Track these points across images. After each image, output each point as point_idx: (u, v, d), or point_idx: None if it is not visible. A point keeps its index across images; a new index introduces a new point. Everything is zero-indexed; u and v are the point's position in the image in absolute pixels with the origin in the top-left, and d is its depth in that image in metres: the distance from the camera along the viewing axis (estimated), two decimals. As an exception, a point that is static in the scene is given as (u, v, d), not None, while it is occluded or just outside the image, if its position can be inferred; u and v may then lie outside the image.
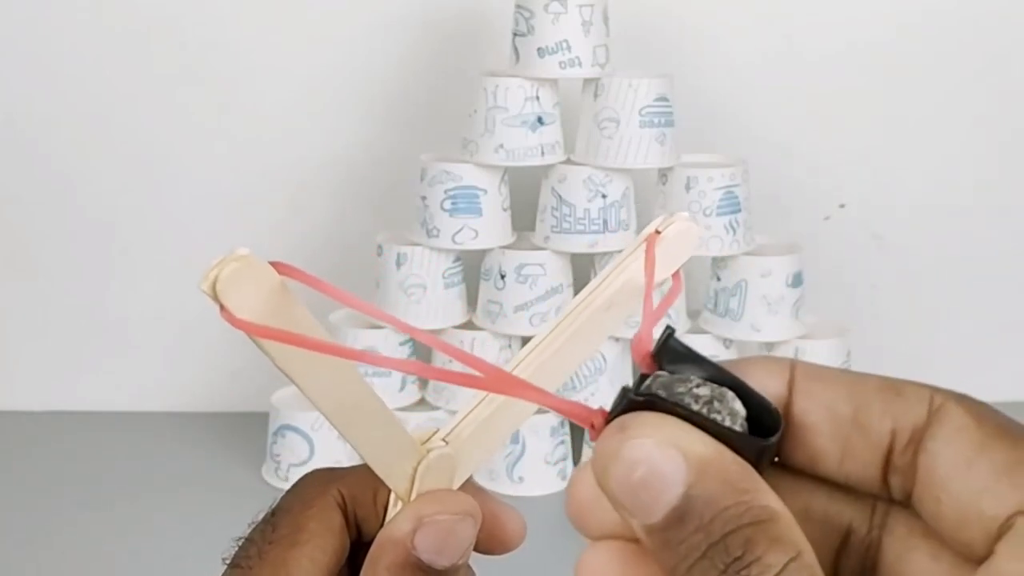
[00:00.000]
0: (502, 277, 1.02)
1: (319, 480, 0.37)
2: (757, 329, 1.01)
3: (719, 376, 0.28)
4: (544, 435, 1.03)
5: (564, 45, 0.97)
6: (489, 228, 1.02)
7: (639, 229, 1.04)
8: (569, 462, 1.06)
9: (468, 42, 1.13)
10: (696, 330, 1.04)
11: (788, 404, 0.28)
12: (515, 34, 1.00)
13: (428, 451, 0.33)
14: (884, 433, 0.27)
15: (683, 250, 0.35)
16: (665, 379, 0.27)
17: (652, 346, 0.28)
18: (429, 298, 1.02)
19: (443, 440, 0.34)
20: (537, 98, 0.99)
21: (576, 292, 1.05)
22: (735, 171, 1.00)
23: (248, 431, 1.12)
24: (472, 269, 1.06)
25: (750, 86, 1.15)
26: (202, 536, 0.94)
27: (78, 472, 1.06)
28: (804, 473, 0.29)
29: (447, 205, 1.00)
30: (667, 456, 0.25)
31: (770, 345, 1.03)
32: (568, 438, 1.06)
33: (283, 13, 1.12)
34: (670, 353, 0.28)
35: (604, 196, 1.00)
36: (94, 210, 1.16)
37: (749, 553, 0.24)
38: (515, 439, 1.03)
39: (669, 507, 0.25)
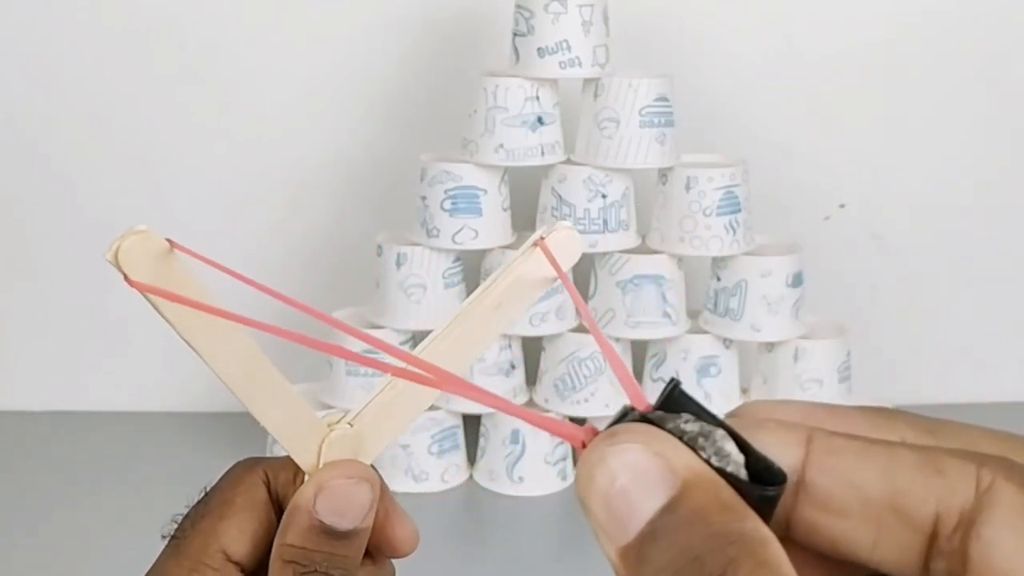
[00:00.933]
0: (502, 277, 1.02)
1: (247, 463, 0.41)
2: (757, 329, 1.01)
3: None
4: (544, 435, 1.03)
5: (564, 45, 0.97)
6: (489, 228, 1.02)
7: (639, 229, 1.04)
8: (569, 462, 1.06)
9: (468, 42, 1.13)
10: (696, 330, 1.04)
11: (801, 479, 0.25)
12: (515, 34, 1.00)
13: (331, 429, 0.37)
14: (926, 518, 0.24)
15: (568, 256, 0.38)
16: (656, 414, 0.26)
17: (653, 401, 0.27)
18: (429, 298, 1.02)
19: (348, 423, 0.37)
20: (537, 98, 0.99)
21: (577, 291, 1.05)
22: (735, 171, 1.00)
23: (248, 431, 1.12)
24: (472, 269, 1.06)
25: (750, 86, 1.15)
26: (202, 536, 0.95)
27: (78, 472, 1.06)
28: (822, 555, 0.26)
29: (447, 205, 1.00)
30: (654, 463, 0.24)
31: (770, 345, 1.03)
32: (568, 438, 1.06)
33: (283, 13, 1.12)
34: (673, 405, 0.26)
35: (604, 196, 1.00)
36: (94, 210, 1.16)
37: (730, 574, 0.22)
38: (515, 439, 1.03)
39: (646, 520, 0.23)
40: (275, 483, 0.39)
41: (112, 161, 1.15)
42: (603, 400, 1.03)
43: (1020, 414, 1.22)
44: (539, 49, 0.98)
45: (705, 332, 1.04)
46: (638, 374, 1.07)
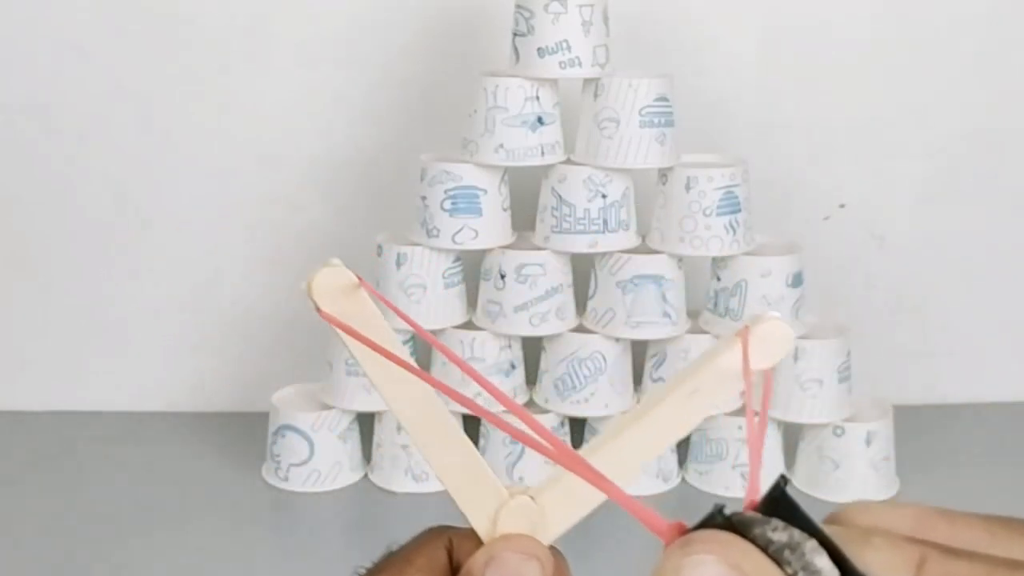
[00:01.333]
0: (502, 277, 1.02)
1: (436, 529, 0.41)
2: (757, 329, 1.01)
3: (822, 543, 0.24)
4: (544, 435, 1.03)
5: (564, 45, 0.97)
6: (489, 228, 1.02)
7: (639, 229, 1.04)
8: (569, 462, 1.06)
9: (468, 42, 1.13)
10: (696, 330, 1.04)
11: None
12: (515, 34, 1.00)
13: (512, 497, 0.36)
14: None
15: (774, 350, 0.35)
16: (746, 516, 0.25)
17: (760, 496, 0.26)
18: (429, 298, 1.02)
19: (530, 496, 0.36)
20: (537, 98, 0.99)
21: (576, 292, 1.05)
22: (735, 171, 1.00)
23: (248, 431, 1.12)
24: (472, 269, 1.05)
25: (750, 86, 1.15)
26: (202, 535, 0.95)
27: (78, 472, 1.06)
28: None
29: (447, 205, 1.00)
30: None
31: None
32: (568, 438, 1.06)
33: (283, 13, 1.12)
34: (774, 505, 0.25)
35: (604, 196, 1.00)
36: (94, 210, 1.16)
37: None
38: (515, 439, 1.03)
39: None
40: (458, 552, 0.39)
41: (112, 161, 1.15)
42: (603, 400, 1.03)
43: (1020, 414, 1.22)
44: (539, 49, 0.98)
45: (705, 332, 1.04)
46: (638, 374, 1.07)
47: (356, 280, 0.37)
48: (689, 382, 0.35)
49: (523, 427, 0.34)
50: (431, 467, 0.36)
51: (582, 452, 0.34)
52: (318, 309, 0.36)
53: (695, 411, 0.36)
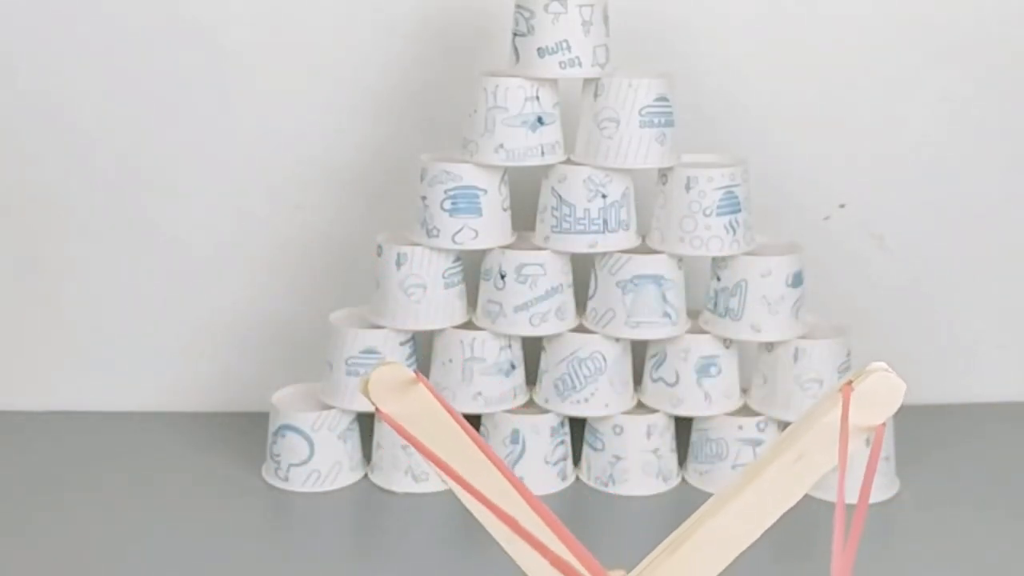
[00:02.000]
0: (502, 277, 1.02)
1: None
2: (757, 329, 1.01)
3: None
4: (544, 435, 1.03)
5: (564, 45, 0.97)
6: (489, 228, 1.02)
7: (639, 229, 1.04)
8: (569, 462, 1.06)
9: (468, 42, 1.13)
10: (696, 330, 1.04)
11: None
12: (515, 34, 1.00)
13: None
14: None
15: (884, 403, 0.33)
16: None
17: None
18: (429, 298, 1.02)
19: None
20: (537, 98, 0.99)
21: (576, 292, 1.05)
22: (735, 171, 1.00)
23: (248, 431, 1.12)
24: (472, 269, 1.06)
25: (750, 86, 1.15)
26: (202, 535, 0.95)
27: (78, 472, 1.06)
28: None
29: (447, 205, 1.00)
30: None
31: (770, 345, 1.03)
32: (568, 438, 1.06)
33: (283, 13, 1.12)
34: None
35: (604, 196, 1.00)
36: (94, 211, 1.16)
37: None
38: (515, 439, 1.03)
39: None
40: None
41: (113, 162, 1.15)
42: (603, 400, 1.03)
43: (1020, 414, 1.22)
44: (539, 49, 0.98)
45: (705, 332, 1.04)
46: (638, 374, 1.07)
47: (412, 376, 0.37)
48: (794, 446, 0.33)
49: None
50: (516, 561, 0.37)
51: (694, 519, 0.32)
52: (376, 409, 0.36)
53: (802, 477, 0.33)
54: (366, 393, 0.36)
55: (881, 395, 0.32)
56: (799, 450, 0.32)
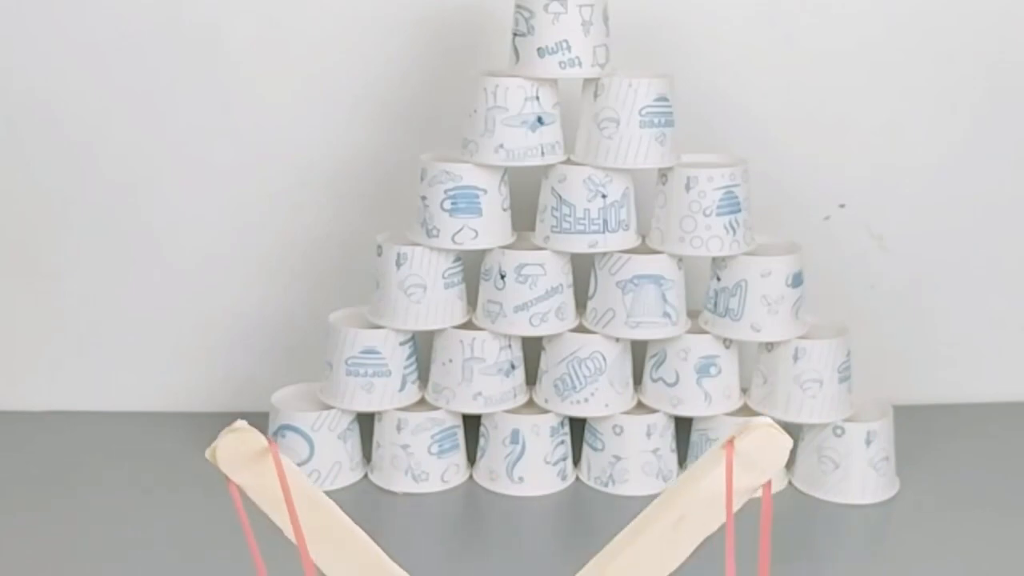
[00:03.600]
0: (502, 277, 1.02)
1: None
2: (757, 329, 1.01)
3: None
4: (544, 435, 1.03)
5: (564, 45, 0.97)
6: (489, 228, 1.02)
7: (639, 229, 1.04)
8: (569, 462, 1.06)
9: (468, 42, 1.13)
10: (696, 330, 1.04)
11: None
12: (515, 34, 1.00)
13: None
14: None
15: (770, 460, 0.31)
16: None
17: None
18: (429, 298, 1.02)
19: None
20: (537, 98, 0.99)
21: (576, 292, 1.05)
22: (735, 171, 1.00)
23: (248, 431, 1.12)
24: (472, 269, 1.05)
25: (750, 86, 1.15)
26: (202, 535, 0.95)
27: (78, 472, 1.06)
28: None
29: (447, 205, 1.00)
30: None
31: (770, 345, 1.03)
32: (568, 438, 1.06)
33: (284, 13, 1.12)
34: None
35: (604, 196, 1.00)
36: (94, 211, 1.16)
37: None
38: (515, 439, 1.03)
39: None
40: None
41: (114, 162, 1.15)
42: (603, 400, 1.03)
43: (1020, 414, 1.22)
44: (539, 49, 0.98)
45: (705, 332, 1.04)
46: (638, 374, 1.07)
47: (264, 443, 0.35)
48: (673, 508, 0.31)
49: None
50: None
51: None
52: (227, 480, 0.34)
53: (682, 541, 0.31)
54: (214, 462, 0.34)
55: (767, 452, 0.30)
56: (679, 512, 0.30)
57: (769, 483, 0.29)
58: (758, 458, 0.30)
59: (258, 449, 0.34)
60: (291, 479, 0.34)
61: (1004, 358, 1.24)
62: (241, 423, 0.34)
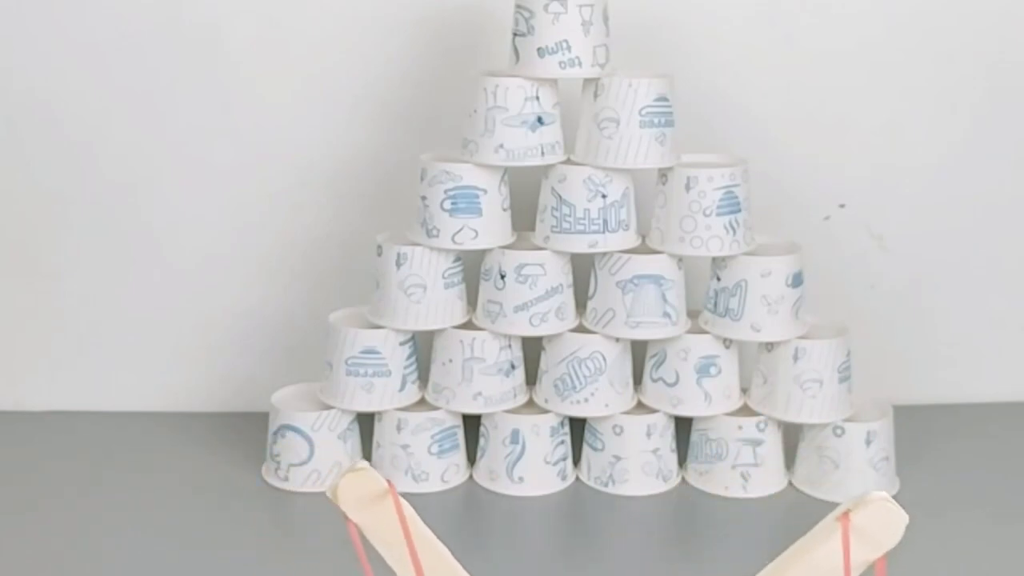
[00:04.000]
0: (502, 277, 1.02)
1: None
2: (757, 329, 1.01)
3: None
4: (544, 435, 1.03)
5: (564, 45, 0.97)
6: (489, 228, 1.02)
7: (639, 229, 1.04)
8: (569, 462, 1.06)
9: (468, 42, 1.13)
10: (696, 330, 1.04)
11: None
12: (515, 34, 1.00)
13: None
14: None
15: (883, 535, 0.30)
16: None
17: None
18: (429, 298, 1.02)
19: None
20: (537, 98, 0.99)
21: (576, 292, 1.05)
22: (735, 171, 1.00)
23: (248, 431, 1.12)
24: (472, 269, 1.05)
25: (750, 86, 1.15)
26: (202, 535, 0.95)
27: (78, 472, 1.06)
28: None
29: (447, 205, 1.00)
30: None
31: (770, 345, 1.03)
32: (568, 438, 1.06)
33: (284, 13, 1.12)
34: None
35: (604, 196, 1.00)
36: (94, 211, 1.16)
37: None
38: (515, 439, 1.03)
39: None
40: None
41: (115, 162, 1.15)
42: (603, 400, 1.03)
43: (1020, 414, 1.22)
44: (539, 49, 0.98)
45: (705, 332, 1.04)
46: (638, 374, 1.07)
47: (385, 485, 0.37)
48: None
49: None
50: None
51: None
52: (345, 517, 0.35)
53: None
54: (335, 502, 0.35)
55: (882, 527, 0.28)
56: None
57: (884, 559, 0.28)
58: (872, 532, 0.29)
59: (378, 490, 0.36)
60: (409, 521, 0.36)
61: (1004, 358, 1.24)
62: (363, 463, 0.36)
